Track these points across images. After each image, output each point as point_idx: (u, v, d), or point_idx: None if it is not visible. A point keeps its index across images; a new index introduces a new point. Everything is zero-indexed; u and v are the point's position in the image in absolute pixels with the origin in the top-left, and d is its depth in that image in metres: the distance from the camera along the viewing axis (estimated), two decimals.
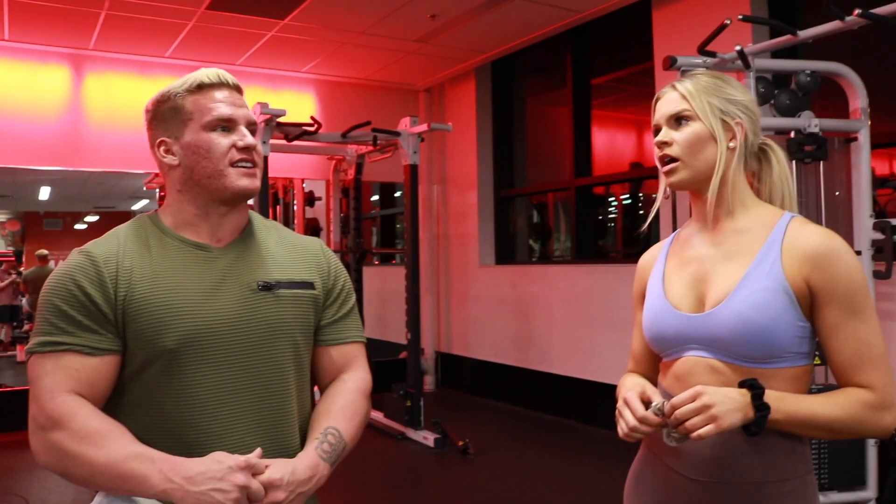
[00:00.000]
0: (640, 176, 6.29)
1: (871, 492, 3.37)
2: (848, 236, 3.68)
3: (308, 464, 1.37)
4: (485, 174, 7.13)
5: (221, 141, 1.42)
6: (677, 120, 1.45)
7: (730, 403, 1.25)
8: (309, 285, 1.52)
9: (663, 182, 1.53)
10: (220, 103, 1.43)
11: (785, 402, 1.29)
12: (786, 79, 3.79)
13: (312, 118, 5.43)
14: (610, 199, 6.96)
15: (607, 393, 5.45)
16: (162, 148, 1.45)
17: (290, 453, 1.41)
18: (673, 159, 1.44)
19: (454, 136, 7.12)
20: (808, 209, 3.81)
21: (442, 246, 7.64)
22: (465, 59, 6.83)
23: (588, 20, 5.78)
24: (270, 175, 6.88)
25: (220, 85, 1.45)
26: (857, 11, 2.99)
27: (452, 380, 7.46)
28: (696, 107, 1.43)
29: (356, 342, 1.62)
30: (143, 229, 1.47)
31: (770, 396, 1.28)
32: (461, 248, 7.35)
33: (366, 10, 5.46)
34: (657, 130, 1.50)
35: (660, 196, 1.58)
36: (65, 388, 1.32)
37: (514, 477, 4.61)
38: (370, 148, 5.88)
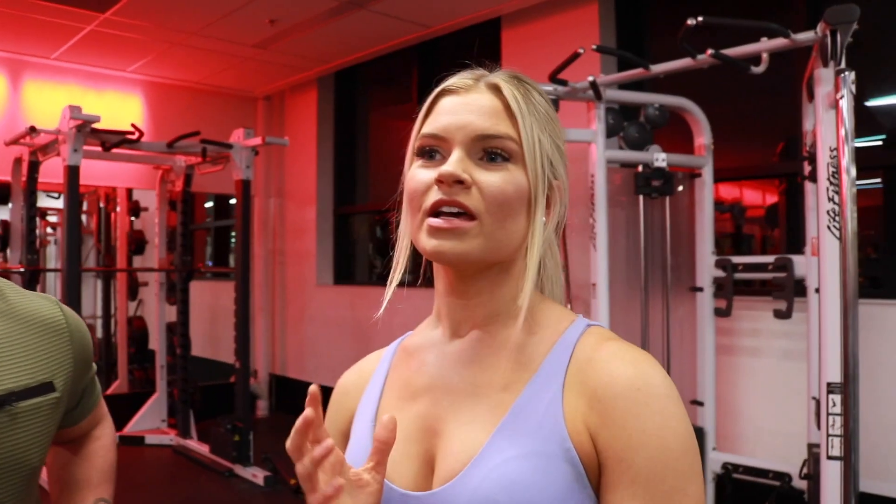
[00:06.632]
0: None
1: None
2: (692, 272, 3.67)
3: None
4: (324, 189, 6.80)
5: None
6: (490, 152, 0.84)
7: None
8: (48, 387, 1.12)
9: (404, 247, 0.91)
10: None
11: None
12: (633, 111, 3.74)
13: (133, 126, 4.92)
14: None
15: None
16: None
17: None
18: (468, 213, 0.82)
19: (294, 147, 6.74)
20: (654, 245, 3.77)
21: (278, 263, 7.24)
22: (307, 67, 6.47)
23: (436, 36, 5.60)
24: (91, 182, 6.29)
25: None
26: (709, 51, 2.94)
27: (287, 404, 7.05)
28: (526, 141, 0.84)
29: (99, 401, 1.36)
30: None
31: None
32: (298, 266, 6.98)
33: (197, 10, 5.00)
34: (432, 147, 0.87)
35: (396, 276, 0.91)
36: None
37: None
38: (200, 159, 5.43)
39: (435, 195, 0.82)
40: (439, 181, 0.82)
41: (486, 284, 0.87)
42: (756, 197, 4.53)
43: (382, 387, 0.96)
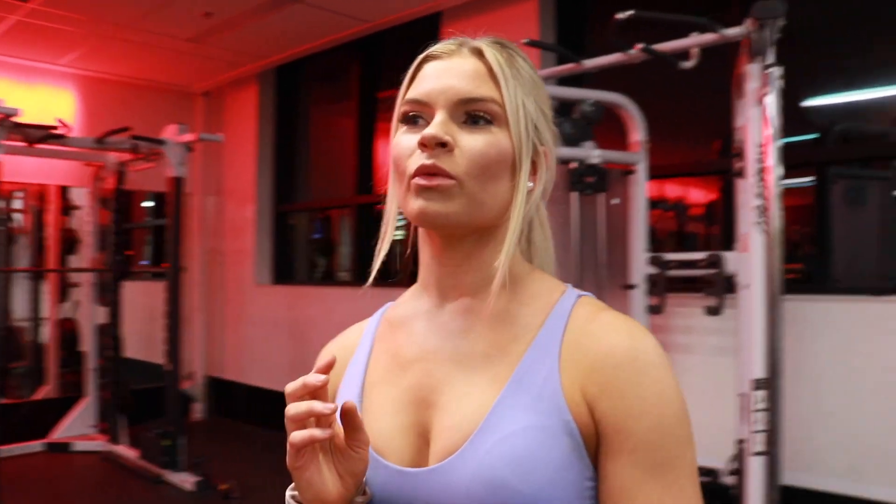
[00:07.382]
0: None
1: None
2: (625, 269, 3.64)
3: None
4: (264, 187, 6.67)
5: None
6: (473, 115, 0.82)
7: None
8: None
9: (392, 215, 0.89)
10: None
11: None
12: (570, 108, 3.70)
13: (60, 120, 4.75)
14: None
15: None
16: None
17: None
18: (444, 174, 0.80)
19: (232, 144, 6.61)
20: (588, 242, 3.74)
21: (216, 262, 7.08)
22: (246, 63, 6.34)
23: (377, 30, 5.52)
24: (20, 180, 6.08)
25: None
26: (639, 46, 2.91)
27: (225, 407, 6.89)
28: (510, 104, 0.82)
29: None
30: None
31: None
32: (237, 266, 6.83)
33: (127, 1, 4.87)
34: (416, 113, 0.85)
35: (384, 244, 0.90)
36: None
37: None
38: (132, 156, 5.27)
39: (418, 159, 0.81)
40: (422, 144, 0.81)
41: (473, 249, 0.86)
42: (699, 195, 4.54)
43: (367, 360, 0.93)
